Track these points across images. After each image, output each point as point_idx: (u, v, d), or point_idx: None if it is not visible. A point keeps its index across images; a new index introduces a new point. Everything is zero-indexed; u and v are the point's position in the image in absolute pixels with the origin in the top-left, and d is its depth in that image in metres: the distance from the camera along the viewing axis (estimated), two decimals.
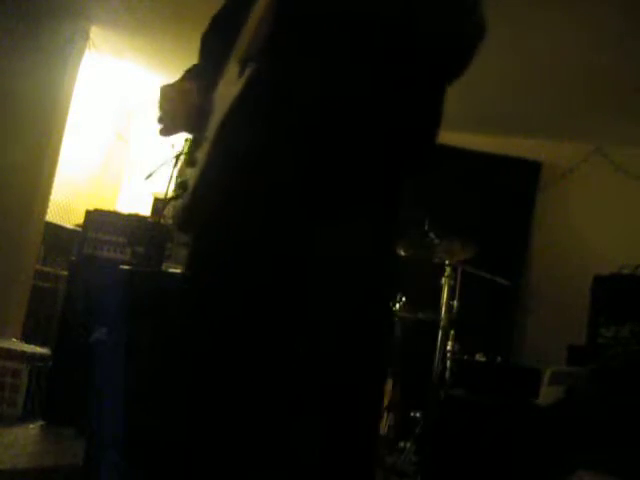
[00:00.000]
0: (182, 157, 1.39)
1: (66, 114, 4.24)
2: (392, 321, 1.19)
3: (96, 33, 4.29)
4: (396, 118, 1.10)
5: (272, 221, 1.08)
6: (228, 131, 1.10)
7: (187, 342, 1.20)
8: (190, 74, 1.31)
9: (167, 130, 1.25)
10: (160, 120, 1.24)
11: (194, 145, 1.23)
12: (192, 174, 1.18)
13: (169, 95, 1.23)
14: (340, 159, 1.07)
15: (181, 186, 1.21)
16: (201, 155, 1.16)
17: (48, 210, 4.26)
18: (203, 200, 1.15)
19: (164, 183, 3.33)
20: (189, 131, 1.25)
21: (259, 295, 1.10)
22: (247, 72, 1.06)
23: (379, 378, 1.17)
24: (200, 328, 1.18)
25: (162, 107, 1.23)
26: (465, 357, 3.39)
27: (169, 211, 4.42)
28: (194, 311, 1.20)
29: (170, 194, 1.31)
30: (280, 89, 1.07)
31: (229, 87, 1.13)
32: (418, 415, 3.12)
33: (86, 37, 4.27)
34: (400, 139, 1.11)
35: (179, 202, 1.23)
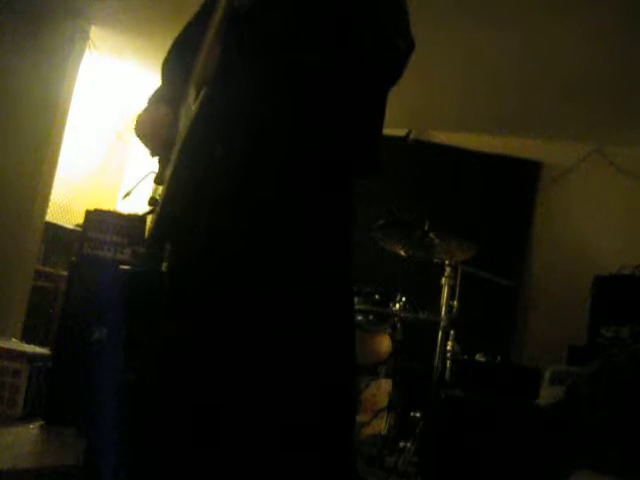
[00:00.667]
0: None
1: (66, 114, 4.24)
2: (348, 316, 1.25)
3: (96, 33, 4.30)
4: (337, 127, 1.19)
5: (224, 226, 1.18)
6: (187, 150, 1.21)
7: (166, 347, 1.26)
8: (158, 99, 1.41)
9: (154, 152, 1.38)
10: (146, 144, 1.37)
11: (163, 164, 1.32)
12: (161, 191, 1.30)
13: (148, 121, 1.34)
14: (283, 164, 1.18)
15: (151, 202, 1.30)
16: (168, 173, 1.28)
17: (48, 210, 4.26)
18: (169, 215, 1.26)
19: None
20: (166, 152, 1.33)
21: (217, 295, 1.18)
22: (200, 96, 1.16)
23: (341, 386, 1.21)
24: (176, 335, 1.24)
25: (143, 133, 1.36)
26: (465, 357, 3.39)
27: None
28: (171, 316, 1.27)
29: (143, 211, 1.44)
30: (227, 109, 1.19)
31: (186, 110, 1.25)
32: (418, 415, 3.12)
33: (86, 37, 4.27)
34: (344, 145, 1.20)
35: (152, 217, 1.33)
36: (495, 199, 4.75)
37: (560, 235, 4.69)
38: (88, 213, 3.41)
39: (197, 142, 1.19)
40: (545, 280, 4.65)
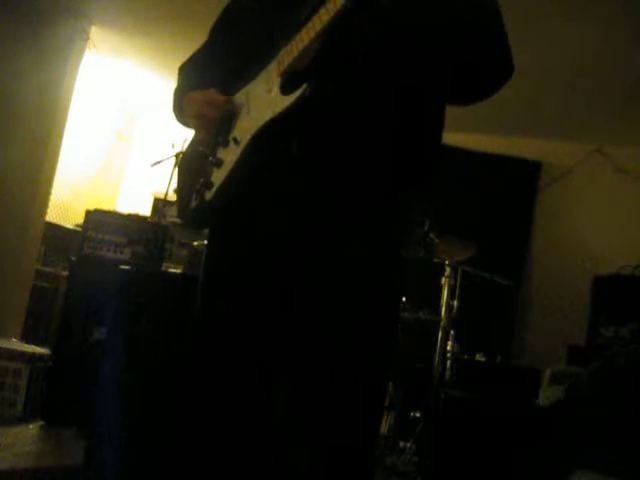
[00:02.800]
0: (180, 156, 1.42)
1: (66, 114, 4.24)
2: (396, 323, 1.33)
3: (96, 33, 4.29)
4: (407, 138, 1.18)
5: (293, 227, 1.15)
6: (269, 140, 1.15)
7: (193, 340, 1.26)
8: (203, 72, 1.34)
9: (204, 133, 1.28)
10: (196, 125, 1.29)
11: (215, 145, 1.24)
12: (217, 174, 1.21)
13: (201, 101, 1.26)
14: (361, 175, 1.15)
15: (205, 185, 1.22)
16: (229, 157, 1.20)
17: (48, 210, 4.26)
18: (228, 201, 1.20)
19: (166, 179, 3.34)
20: (216, 134, 1.26)
21: (271, 294, 1.16)
22: (300, 91, 1.09)
23: (380, 380, 1.21)
24: (208, 324, 1.23)
25: (195, 114, 1.27)
26: (465, 357, 3.39)
27: (171, 210, 4.43)
28: (203, 306, 1.25)
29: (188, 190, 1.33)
30: (327, 113, 1.13)
31: (263, 94, 1.18)
32: (418, 415, 3.12)
33: (86, 37, 4.27)
34: (409, 158, 1.19)
35: (194, 200, 1.25)
36: (495, 199, 4.75)
37: (560, 235, 4.69)
38: (88, 213, 3.41)
39: (275, 133, 1.14)
40: (545, 280, 4.65)
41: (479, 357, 3.51)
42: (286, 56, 1.14)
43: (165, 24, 4.04)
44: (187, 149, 1.40)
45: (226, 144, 1.21)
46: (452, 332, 3.27)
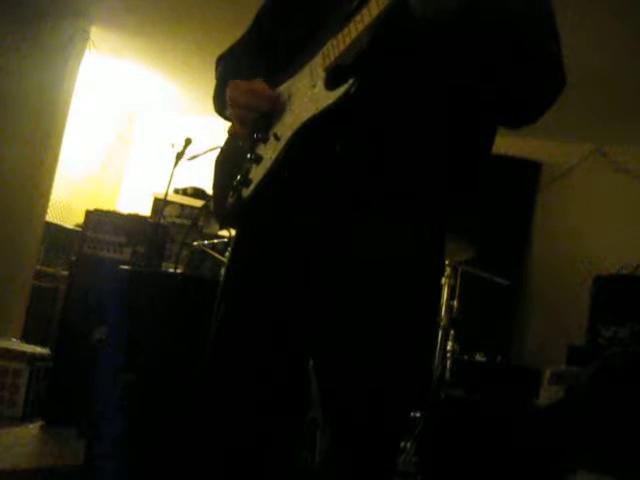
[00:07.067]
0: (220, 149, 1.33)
1: (66, 114, 4.24)
2: (430, 327, 1.30)
3: (96, 33, 4.30)
4: (456, 144, 1.13)
5: (331, 230, 1.10)
6: (310, 138, 1.09)
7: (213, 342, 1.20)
8: (242, 67, 1.27)
9: (247, 126, 1.19)
10: (237, 117, 1.19)
11: (254, 141, 1.17)
12: (256, 171, 1.15)
13: (247, 91, 1.16)
14: (403, 181, 1.09)
15: (242, 181, 1.15)
16: (269, 153, 1.13)
17: (48, 210, 4.26)
18: (266, 199, 1.14)
19: (165, 179, 3.34)
20: (261, 129, 1.18)
21: (303, 296, 1.12)
22: (345, 87, 1.02)
23: (410, 386, 1.16)
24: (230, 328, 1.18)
25: (238, 103, 1.17)
26: (465, 357, 3.39)
27: (170, 210, 4.42)
28: (228, 307, 1.20)
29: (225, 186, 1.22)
30: (372, 112, 1.08)
31: (307, 89, 1.11)
32: (418, 415, 3.12)
33: (86, 37, 4.27)
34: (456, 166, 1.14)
35: (230, 196, 1.18)
36: (495, 199, 4.74)
37: (560, 235, 4.68)
38: (88, 213, 3.42)
39: (317, 131, 1.08)
40: (545, 280, 4.65)
41: (479, 357, 3.51)
42: (332, 49, 1.07)
43: (165, 24, 4.04)
44: (225, 144, 1.32)
45: (266, 140, 1.15)
46: (452, 332, 3.27)
